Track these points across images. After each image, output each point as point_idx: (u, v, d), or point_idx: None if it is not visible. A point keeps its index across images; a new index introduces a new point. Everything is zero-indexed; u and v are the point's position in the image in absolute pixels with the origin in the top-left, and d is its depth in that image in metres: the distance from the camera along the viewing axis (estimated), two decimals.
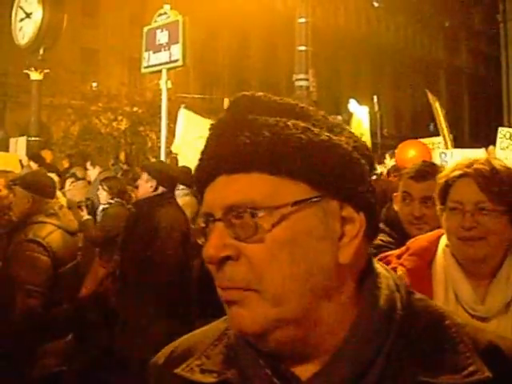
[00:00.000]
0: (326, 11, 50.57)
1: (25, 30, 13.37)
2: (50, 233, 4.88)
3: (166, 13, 9.96)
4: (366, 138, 13.54)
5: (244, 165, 1.09)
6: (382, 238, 3.55)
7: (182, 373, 1.21)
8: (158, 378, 1.30)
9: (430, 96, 12.05)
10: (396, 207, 3.65)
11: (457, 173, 2.45)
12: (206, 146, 1.18)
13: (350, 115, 14.23)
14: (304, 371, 1.12)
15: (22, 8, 13.48)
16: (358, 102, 15.47)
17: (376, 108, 24.11)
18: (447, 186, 2.47)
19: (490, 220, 2.36)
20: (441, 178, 2.52)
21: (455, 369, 1.08)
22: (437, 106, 11.63)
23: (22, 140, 12.16)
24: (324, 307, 1.10)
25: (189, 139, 10.75)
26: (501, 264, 2.40)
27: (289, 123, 1.11)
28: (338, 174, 1.10)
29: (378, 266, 1.19)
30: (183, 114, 10.95)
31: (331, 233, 1.09)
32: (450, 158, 10.60)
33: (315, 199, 1.08)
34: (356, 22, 59.09)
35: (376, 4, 59.03)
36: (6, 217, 5.57)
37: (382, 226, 3.63)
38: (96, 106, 30.51)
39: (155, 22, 10.15)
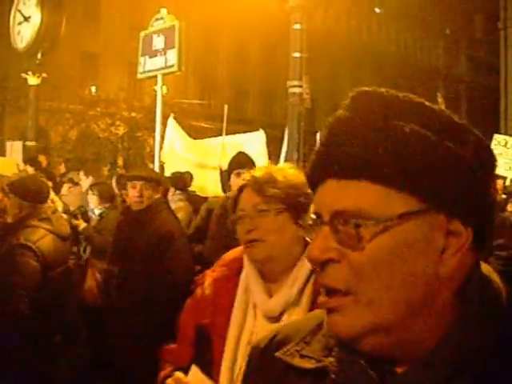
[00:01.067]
0: (327, 17, 50.63)
1: (23, 34, 13.35)
2: (41, 237, 4.93)
3: (162, 18, 9.96)
4: None
5: (356, 172, 1.10)
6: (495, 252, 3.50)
7: (282, 356, 1.28)
8: (259, 361, 1.38)
9: (440, 100, 12.05)
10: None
11: (240, 186, 2.67)
12: (321, 142, 1.19)
13: None
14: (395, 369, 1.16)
15: (20, 11, 13.45)
16: None
17: None
18: (236, 199, 2.65)
19: (268, 221, 2.51)
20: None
21: None
22: None
23: (18, 144, 12.16)
24: (418, 317, 1.11)
25: (175, 148, 10.77)
26: (294, 264, 2.54)
27: (406, 129, 1.10)
28: (450, 188, 1.09)
29: (487, 273, 1.19)
30: (171, 124, 10.96)
31: (434, 246, 1.10)
32: None
33: (422, 213, 1.09)
34: (357, 28, 59.07)
35: (378, 10, 59.00)
36: (1, 220, 5.60)
37: None
38: (94, 111, 30.55)
39: (152, 26, 10.15)
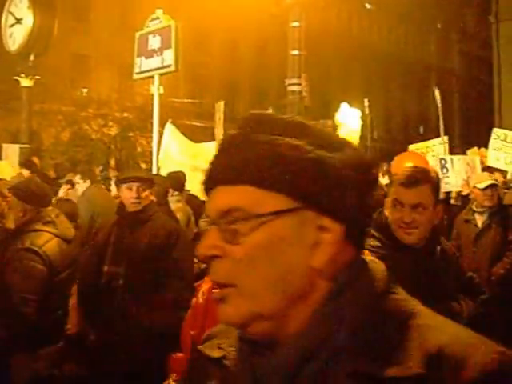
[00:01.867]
0: (317, 13, 50.49)
1: (15, 36, 13.26)
2: (46, 241, 4.91)
3: (158, 17, 9.91)
4: (355, 142, 13.53)
5: (236, 178, 1.25)
6: (370, 242, 3.54)
7: (201, 348, 1.44)
8: (193, 354, 1.60)
9: (437, 95, 12.03)
10: (386, 213, 3.66)
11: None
12: (213, 158, 1.34)
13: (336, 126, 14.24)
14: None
15: (12, 13, 13.36)
16: (349, 105, 15.50)
17: (367, 111, 24.09)
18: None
19: None
20: None
21: (393, 362, 1.15)
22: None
23: (15, 147, 12.06)
24: (296, 306, 1.23)
25: (171, 154, 10.73)
26: None
27: (280, 141, 1.25)
28: (318, 189, 1.23)
29: (369, 265, 1.30)
30: (169, 129, 10.92)
31: (305, 241, 1.23)
32: (451, 164, 10.63)
33: (292, 211, 1.22)
34: (347, 23, 59.03)
35: (368, 6, 58.99)
36: (0, 225, 5.55)
37: (369, 230, 3.68)
38: (86, 112, 30.46)
39: (147, 27, 10.10)
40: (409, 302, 1.26)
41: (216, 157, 1.33)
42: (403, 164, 12.40)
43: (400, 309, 1.24)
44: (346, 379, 1.16)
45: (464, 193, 10.13)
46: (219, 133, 12.39)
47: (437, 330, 1.20)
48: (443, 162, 10.72)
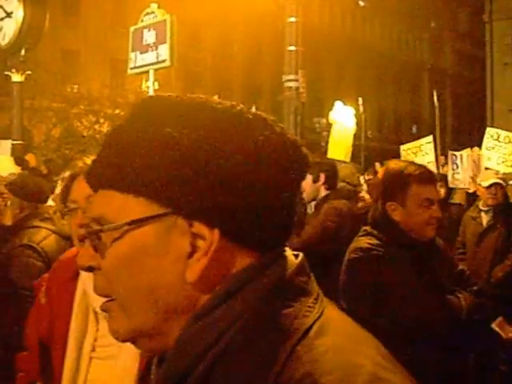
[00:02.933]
0: (310, 10, 50.36)
1: (5, 30, 13.02)
2: (44, 238, 4.87)
3: (153, 12, 9.79)
4: (350, 141, 13.46)
5: (103, 181, 1.12)
6: (369, 241, 3.61)
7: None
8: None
9: (435, 98, 12.03)
10: (394, 214, 3.64)
11: (71, 175, 2.48)
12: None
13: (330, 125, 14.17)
14: None
15: (1, 7, 13.13)
16: (343, 103, 15.40)
17: (361, 110, 24.07)
18: (67, 189, 2.45)
19: None
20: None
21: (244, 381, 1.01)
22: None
23: (6, 143, 11.87)
24: (173, 321, 1.10)
25: None
26: None
27: (150, 134, 1.08)
28: (187, 191, 1.05)
29: (260, 276, 1.09)
30: None
31: (175, 250, 1.08)
32: (460, 160, 10.60)
33: (155, 217, 1.07)
34: (341, 21, 59.05)
35: (362, 3, 58.94)
36: None
37: (368, 228, 3.74)
38: (77, 109, 30.28)
39: (142, 21, 9.98)
40: (306, 318, 1.07)
41: (94, 159, 1.19)
42: None
43: (284, 333, 1.04)
44: None
45: (470, 190, 10.09)
46: None
47: (307, 361, 1.00)
48: (454, 157, 10.79)
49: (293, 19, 9.08)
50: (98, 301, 2.28)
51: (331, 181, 6.29)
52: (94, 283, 1.17)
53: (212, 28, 47.67)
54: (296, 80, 9.24)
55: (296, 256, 1.18)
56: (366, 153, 26.58)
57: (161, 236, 1.08)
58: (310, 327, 1.05)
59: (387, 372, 1.01)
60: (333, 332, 1.06)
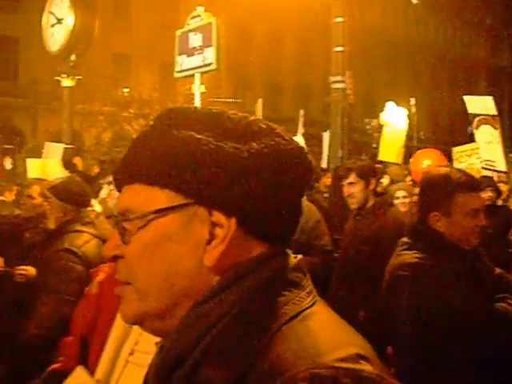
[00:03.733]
0: (361, 9, 50.03)
1: (56, 37, 13.22)
2: (86, 242, 4.86)
3: (199, 15, 9.78)
4: (401, 142, 13.30)
5: (130, 177, 1.26)
6: (415, 255, 3.41)
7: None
8: None
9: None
10: (437, 225, 3.43)
11: None
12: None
13: (381, 126, 14.03)
14: None
15: (53, 13, 13.33)
16: (395, 104, 15.23)
17: (413, 110, 23.76)
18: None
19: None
20: None
21: (225, 367, 1.12)
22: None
23: (58, 147, 11.95)
24: (184, 305, 1.21)
25: None
26: None
27: (176, 135, 1.22)
28: (208, 183, 1.18)
29: (262, 266, 1.22)
30: None
31: (195, 237, 1.20)
32: None
33: (179, 207, 1.20)
34: (393, 20, 58.36)
35: (414, 1, 58.15)
36: (41, 225, 5.54)
37: (408, 240, 3.54)
38: (127, 112, 30.62)
39: (188, 24, 9.98)
40: (296, 305, 1.19)
41: (123, 156, 1.32)
42: (421, 162, 12.15)
43: (275, 314, 1.16)
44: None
45: None
46: None
47: (292, 337, 1.13)
48: None
49: (339, 19, 8.96)
50: None
51: (377, 186, 6.23)
52: (117, 270, 1.28)
53: (261, 30, 47.71)
54: (343, 81, 9.11)
55: (295, 257, 1.30)
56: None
57: (183, 224, 1.20)
58: (299, 313, 1.17)
59: (371, 357, 1.13)
60: (319, 319, 1.19)
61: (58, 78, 13.22)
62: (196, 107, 1.32)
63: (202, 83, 9.80)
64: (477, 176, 3.73)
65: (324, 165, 13.45)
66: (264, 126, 1.28)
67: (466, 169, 10.95)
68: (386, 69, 55.75)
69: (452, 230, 3.40)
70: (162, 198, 1.21)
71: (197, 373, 1.15)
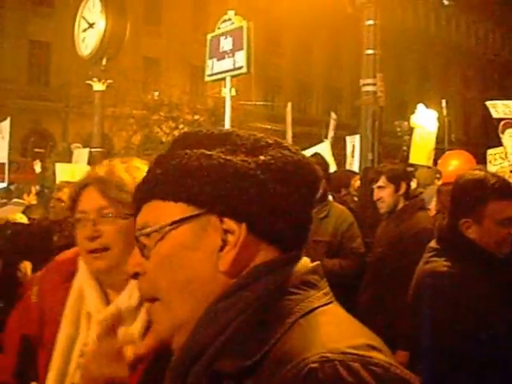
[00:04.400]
0: (392, 11, 49.84)
1: (88, 41, 13.30)
2: None
3: (230, 19, 9.80)
4: (432, 145, 13.21)
5: (147, 195, 1.34)
6: (445, 263, 3.29)
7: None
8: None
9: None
10: (468, 232, 3.32)
11: (80, 183, 2.40)
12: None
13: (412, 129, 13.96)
14: None
15: (84, 18, 13.43)
16: (425, 106, 15.13)
17: (445, 112, 23.54)
18: (75, 198, 2.36)
19: (114, 228, 2.28)
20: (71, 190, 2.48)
21: (240, 357, 1.18)
22: None
23: (84, 152, 12.07)
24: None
25: None
26: None
27: (189, 154, 1.31)
28: (218, 194, 1.26)
29: (275, 269, 1.27)
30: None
31: (209, 245, 1.27)
32: None
33: (192, 218, 1.27)
34: (425, 21, 58.11)
35: (446, 2, 57.80)
36: (69, 228, 5.52)
37: (437, 246, 3.43)
38: (158, 115, 30.77)
39: (219, 28, 10.00)
40: (312, 303, 1.25)
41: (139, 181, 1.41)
42: (449, 163, 11.98)
43: (290, 309, 1.23)
44: (204, 378, 1.21)
45: None
46: (288, 136, 12.16)
47: (306, 328, 1.20)
48: None
49: (371, 22, 8.89)
50: (95, 306, 2.32)
51: (408, 190, 6.07)
52: (139, 288, 1.36)
53: (291, 33, 47.71)
54: (374, 84, 9.03)
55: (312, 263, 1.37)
56: None
57: (197, 233, 1.28)
58: (314, 309, 1.24)
59: (381, 346, 1.19)
60: (334, 314, 1.26)
61: (89, 82, 13.31)
62: (209, 129, 1.39)
63: (232, 87, 9.81)
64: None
65: (354, 168, 13.41)
66: (271, 141, 1.36)
67: (499, 172, 10.84)
68: (417, 71, 55.49)
69: (483, 238, 3.29)
70: (176, 210, 1.28)
71: (215, 363, 1.20)
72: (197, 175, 1.28)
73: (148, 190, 1.34)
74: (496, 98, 11.13)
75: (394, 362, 1.16)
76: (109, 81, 13.33)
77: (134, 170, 2.33)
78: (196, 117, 29.99)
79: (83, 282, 2.39)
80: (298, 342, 1.17)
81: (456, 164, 12.30)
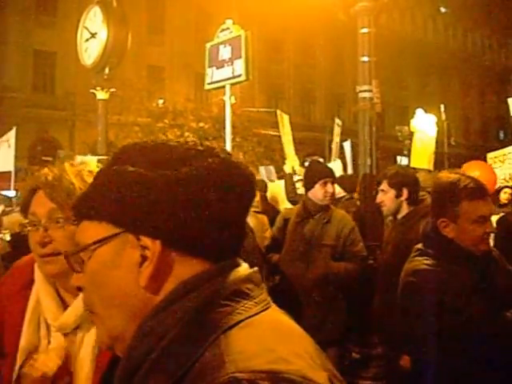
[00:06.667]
0: (391, 18, 50.07)
1: (90, 50, 13.40)
2: None
3: (228, 28, 9.92)
4: (432, 149, 13.31)
5: (78, 215, 1.40)
6: (426, 261, 3.45)
7: None
8: None
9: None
10: (446, 231, 3.49)
11: (31, 186, 2.34)
12: None
13: (412, 133, 14.07)
14: None
15: (86, 28, 13.54)
16: (424, 111, 15.25)
17: (443, 117, 23.66)
18: (27, 201, 2.35)
19: (65, 233, 2.25)
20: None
21: (163, 376, 1.21)
22: None
23: (91, 160, 12.19)
24: (134, 324, 1.30)
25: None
26: None
27: (111, 171, 1.35)
28: (132, 212, 1.29)
29: (207, 282, 1.29)
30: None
31: (128, 261, 1.31)
32: None
33: (112, 237, 1.31)
34: (422, 28, 58.27)
35: (443, 9, 57.93)
36: None
37: (421, 247, 3.58)
38: (162, 123, 30.85)
39: (218, 37, 10.13)
40: (240, 315, 1.26)
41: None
42: (471, 172, 12.09)
43: (216, 324, 1.23)
44: None
45: None
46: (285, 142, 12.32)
47: (223, 344, 1.20)
48: None
49: (365, 30, 9.02)
50: (51, 313, 2.34)
51: (414, 196, 5.95)
52: (83, 299, 1.42)
53: (293, 40, 47.80)
54: (370, 90, 9.14)
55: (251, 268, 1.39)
56: (453, 160, 26.26)
57: (117, 250, 1.32)
58: (240, 321, 1.25)
59: (299, 360, 1.18)
60: (259, 327, 1.25)
61: (93, 91, 13.44)
62: (146, 142, 1.41)
63: (232, 94, 9.92)
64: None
65: (349, 172, 13.55)
66: (202, 148, 1.37)
67: (500, 174, 10.95)
68: (416, 76, 55.54)
69: (460, 237, 3.44)
70: (100, 230, 1.33)
71: (149, 379, 1.24)
72: (114, 194, 1.31)
73: (78, 211, 1.40)
74: (494, 103, 11.24)
75: (312, 372, 1.17)
76: (112, 89, 13.43)
77: (87, 175, 2.30)
78: (201, 124, 30.08)
79: (39, 289, 2.36)
80: (212, 360, 1.17)
81: (477, 175, 12.42)
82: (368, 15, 8.85)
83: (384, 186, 5.89)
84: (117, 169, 1.35)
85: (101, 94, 13.34)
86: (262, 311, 1.30)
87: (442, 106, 24.25)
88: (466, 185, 3.44)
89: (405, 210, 5.86)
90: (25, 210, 2.36)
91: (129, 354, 1.29)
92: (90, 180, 2.11)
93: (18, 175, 15.97)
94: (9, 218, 9.12)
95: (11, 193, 14.59)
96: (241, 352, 1.17)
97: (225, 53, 9.78)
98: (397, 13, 51.92)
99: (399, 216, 5.90)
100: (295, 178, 10.58)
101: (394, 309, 5.64)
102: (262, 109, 36.40)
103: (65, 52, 35.31)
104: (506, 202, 10.62)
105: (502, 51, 65.26)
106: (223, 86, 9.98)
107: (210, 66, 10.16)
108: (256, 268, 1.39)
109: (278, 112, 11.19)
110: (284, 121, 11.17)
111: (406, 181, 5.94)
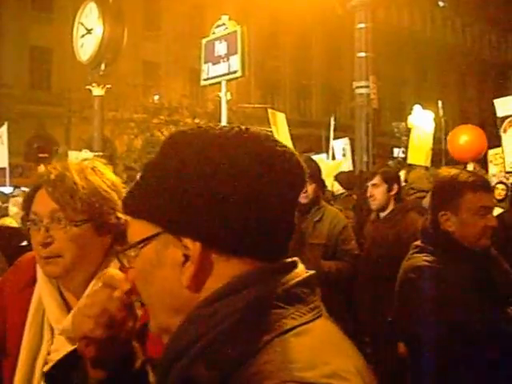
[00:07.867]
0: (388, 13, 49.97)
1: (86, 46, 13.38)
2: None
3: (224, 24, 9.89)
4: (429, 145, 13.29)
5: (126, 211, 1.40)
6: (425, 258, 3.43)
7: None
8: None
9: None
10: (447, 224, 3.46)
11: (34, 184, 2.29)
12: None
13: (409, 129, 14.04)
14: None
15: (82, 24, 13.51)
16: (422, 107, 15.22)
17: (441, 113, 23.61)
18: (30, 198, 2.29)
19: (66, 234, 2.18)
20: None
21: (213, 368, 1.20)
22: None
23: (80, 155, 12.11)
24: (177, 320, 1.30)
25: None
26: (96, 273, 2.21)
27: (156, 168, 1.33)
28: (172, 213, 1.27)
29: (254, 282, 1.25)
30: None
31: (170, 261, 1.29)
32: None
33: (155, 236, 1.30)
34: (420, 23, 58.17)
35: (441, 4, 57.83)
36: None
37: (420, 243, 3.56)
38: (158, 119, 30.83)
39: (213, 33, 10.09)
40: (293, 320, 1.23)
41: None
42: (459, 138, 12.02)
43: (270, 326, 1.21)
44: (180, 381, 1.24)
45: None
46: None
47: (279, 350, 1.17)
48: None
49: (362, 25, 9.00)
50: (53, 315, 2.26)
51: (400, 192, 6.34)
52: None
53: (289, 36, 47.72)
54: (367, 86, 9.12)
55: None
56: (450, 157, 26.07)
57: (160, 250, 1.30)
58: (295, 327, 1.22)
59: (354, 377, 1.17)
60: (313, 335, 1.22)
61: (89, 87, 13.40)
62: (193, 130, 1.35)
63: (228, 90, 9.89)
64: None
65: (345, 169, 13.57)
66: (246, 135, 1.31)
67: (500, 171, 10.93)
68: (414, 72, 55.49)
69: (462, 230, 3.42)
70: (143, 229, 1.32)
71: (191, 367, 1.22)
72: (155, 194, 1.29)
73: (126, 207, 1.40)
74: (492, 99, 11.20)
75: None
76: (108, 86, 13.40)
77: (90, 174, 2.25)
78: (196, 120, 30.05)
79: (42, 289, 2.32)
80: (268, 364, 1.14)
81: (466, 139, 12.34)
82: (365, 10, 8.84)
83: (377, 179, 6.14)
84: (157, 163, 1.35)
85: (96, 90, 13.31)
86: (315, 319, 1.27)
87: (440, 102, 24.19)
88: (468, 177, 3.46)
89: (391, 206, 6.15)
90: (27, 207, 2.30)
91: (172, 342, 1.30)
92: (93, 178, 2.24)
93: (14, 171, 15.92)
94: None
95: (7, 189, 14.53)
96: (296, 361, 1.15)
97: (220, 48, 9.75)
98: (394, 7, 51.85)
99: (386, 212, 6.15)
100: None
101: (386, 302, 5.70)
102: (257, 105, 36.38)
103: (61, 48, 35.16)
104: (499, 197, 10.67)
105: (501, 47, 65.16)
106: (219, 82, 9.95)
107: (205, 62, 10.13)
108: (313, 271, 1.35)
109: (270, 111, 11.10)
110: (277, 118, 11.08)
111: (396, 177, 6.35)
